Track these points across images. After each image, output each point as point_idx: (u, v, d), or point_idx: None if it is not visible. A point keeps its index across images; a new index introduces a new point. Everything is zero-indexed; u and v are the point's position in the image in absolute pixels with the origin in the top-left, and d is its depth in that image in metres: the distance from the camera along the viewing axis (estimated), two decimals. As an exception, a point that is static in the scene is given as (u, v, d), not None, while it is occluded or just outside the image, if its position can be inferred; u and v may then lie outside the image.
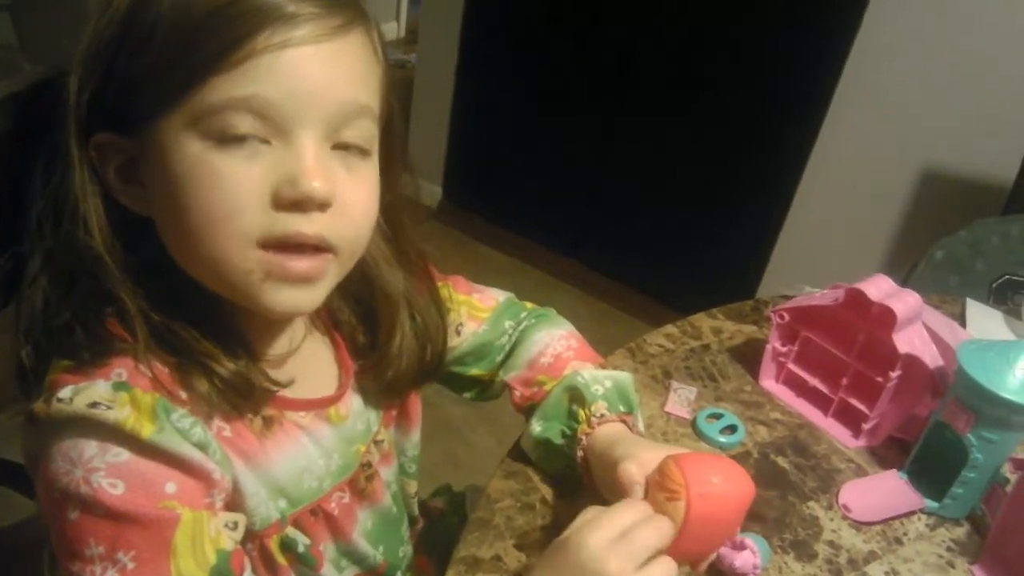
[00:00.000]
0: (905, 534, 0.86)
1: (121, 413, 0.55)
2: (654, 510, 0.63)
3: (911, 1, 2.00)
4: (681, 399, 0.98)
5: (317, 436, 0.71)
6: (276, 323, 0.70)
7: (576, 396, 0.82)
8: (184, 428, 0.58)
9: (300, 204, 0.57)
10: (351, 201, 0.61)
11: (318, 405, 0.73)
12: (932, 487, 0.89)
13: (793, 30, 2.19)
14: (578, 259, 2.83)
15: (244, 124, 0.56)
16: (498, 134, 2.88)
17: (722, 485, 0.65)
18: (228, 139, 0.56)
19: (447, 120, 2.87)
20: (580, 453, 0.78)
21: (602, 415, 0.79)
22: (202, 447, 0.59)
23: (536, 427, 0.83)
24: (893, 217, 2.19)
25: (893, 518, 0.88)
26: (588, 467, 0.78)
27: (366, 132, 0.62)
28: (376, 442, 0.79)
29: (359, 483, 0.77)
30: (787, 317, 1.02)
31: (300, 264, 0.59)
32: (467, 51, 2.78)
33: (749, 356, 1.08)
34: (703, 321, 1.15)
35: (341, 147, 0.61)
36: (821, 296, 1.00)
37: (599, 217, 2.78)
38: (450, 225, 2.97)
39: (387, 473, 0.82)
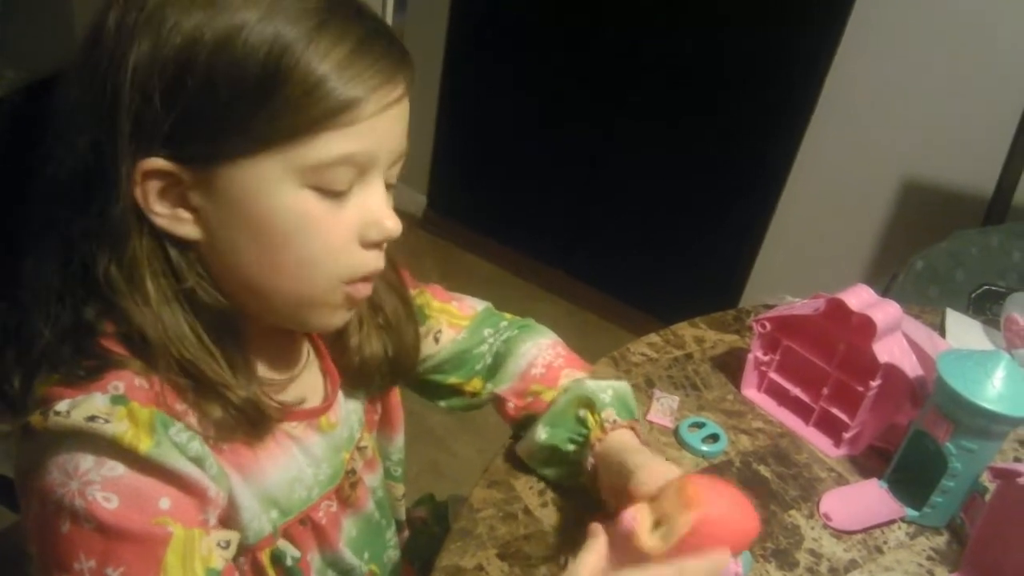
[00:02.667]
0: (885, 543, 0.87)
1: (119, 427, 0.55)
2: (656, 520, 0.62)
3: (892, 15, 2.02)
4: (664, 408, 0.99)
5: (307, 445, 0.72)
6: (287, 347, 0.73)
7: (584, 403, 0.83)
8: (182, 442, 0.58)
9: (381, 244, 0.65)
10: None
11: (310, 415, 0.73)
12: (912, 496, 0.89)
13: (774, 42, 2.21)
14: (563, 268, 2.83)
15: (346, 177, 0.60)
16: (483, 143, 2.88)
17: (729, 512, 0.64)
18: (330, 192, 0.60)
19: (432, 128, 2.87)
20: (591, 460, 0.78)
21: (614, 421, 0.80)
22: (199, 462, 0.59)
23: (542, 434, 0.83)
24: (874, 228, 2.21)
25: (874, 527, 0.88)
26: (596, 473, 0.78)
27: (400, 166, 0.67)
28: (359, 448, 0.79)
29: (344, 491, 0.77)
30: (769, 326, 1.02)
31: (368, 288, 0.67)
32: (452, 58, 2.78)
33: (731, 365, 1.09)
34: (686, 330, 1.15)
35: (386, 182, 0.66)
36: (802, 306, 1.00)
37: (583, 227, 2.78)
38: (435, 234, 2.97)
39: (371, 479, 0.82)
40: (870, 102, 2.12)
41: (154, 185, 0.58)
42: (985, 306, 1.39)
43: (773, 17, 2.20)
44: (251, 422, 0.63)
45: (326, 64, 0.56)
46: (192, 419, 0.60)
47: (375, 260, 0.65)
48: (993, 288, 1.43)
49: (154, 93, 0.56)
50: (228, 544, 0.61)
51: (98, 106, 0.56)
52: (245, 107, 0.56)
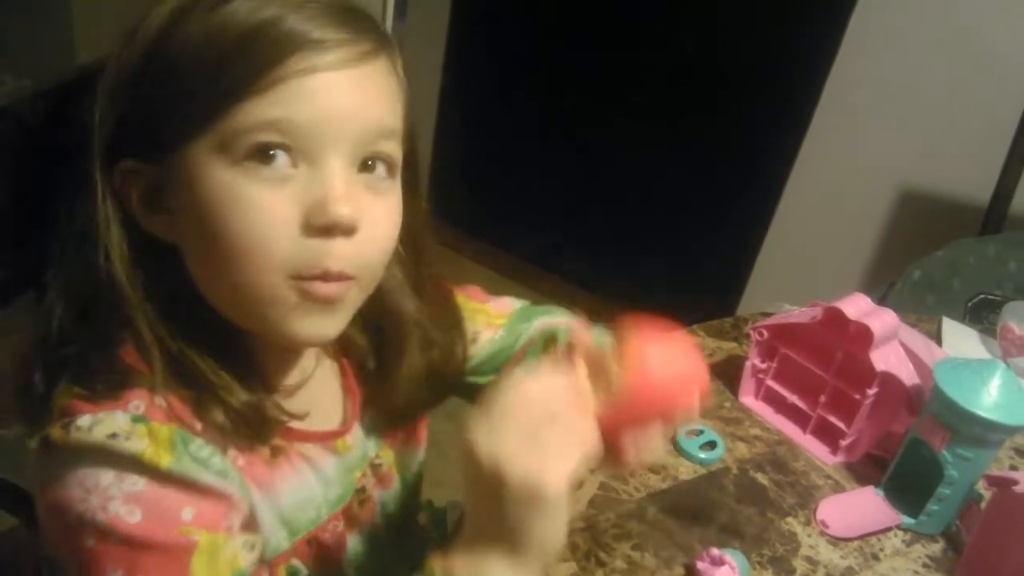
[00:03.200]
0: (882, 550, 0.87)
1: (139, 444, 0.55)
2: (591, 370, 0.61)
3: (890, 24, 2.03)
4: (662, 415, 0.99)
5: (320, 466, 0.70)
6: (290, 353, 0.70)
7: (550, 337, 0.82)
8: (203, 457, 0.57)
9: (328, 230, 0.57)
10: (375, 224, 0.61)
11: (327, 437, 0.72)
12: (908, 503, 0.90)
13: (773, 50, 2.22)
14: (559, 274, 2.83)
15: (273, 142, 0.56)
16: (482, 148, 2.89)
17: (671, 353, 0.63)
18: (256, 159, 0.56)
19: (431, 134, 2.88)
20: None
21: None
22: (221, 475, 0.58)
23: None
24: (871, 236, 2.22)
25: (870, 534, 0.89)
26: None
27: (392, 154, 0.62)
28: (373, 465, 0.77)
29: (352, 509, 0.75)
30: (766, 334, 1.03)
31: (328, 288, 0.59)
32: (452, 65, 2.79)
33: (729, 372, 1.09)
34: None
35: (367, 169, 0.61)
36: (800, 314, 1.01)
37: (581, 233, 2.79)
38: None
39: (383, 495, 0.80)
40: (867, 111, 2.12)
41: (136, 187, 0.59)
42: (981, 315, 1.39)
43: (772, 26, 2.21)
44: (252, 427, 0.62)
45: (243, 23, 0.55)
46: (208, 435, 0.59)
47: (321, 257, 0.57)
48: (989, 297, 1.43)
49: (113, 96, 0.58)
50: (254, 546, 0.61)
51: (83, 114, 0.59)
52: (175, 88, 0.56)
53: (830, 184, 2.24)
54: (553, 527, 0.56)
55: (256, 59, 0.55)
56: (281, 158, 0.56)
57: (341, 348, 0.76)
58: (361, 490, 0.76)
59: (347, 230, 0.58)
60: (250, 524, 0.63)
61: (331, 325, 0.62)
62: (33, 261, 0.72)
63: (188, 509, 0.56)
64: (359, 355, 0.77)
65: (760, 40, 2.24)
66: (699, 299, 2.35)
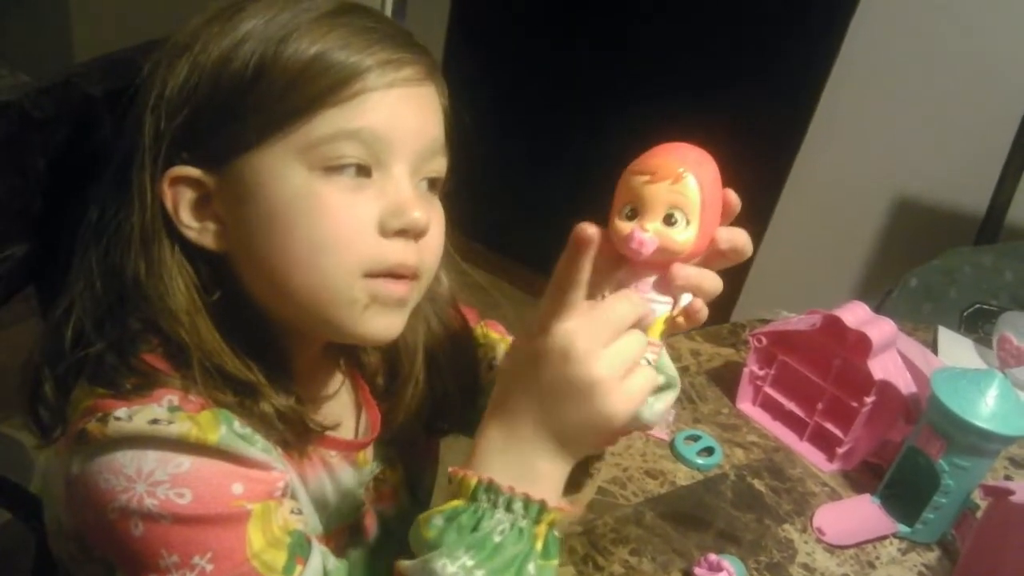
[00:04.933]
0: (878, 558, 0.88)
1: (183, 427, 0.54)
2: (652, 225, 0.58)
3: (887, 33, 2.04)
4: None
5: (338, 477, 0.71)
6: (323, 366, 0.71)
7: None
8: (247, 434, 0.57)
9: (405, 232, 0.60)
10: (433, 232, 0.64)
11: (351, 447, 0.72)
12: (904, 512, 0.90)
13: (769, 59, 2.22)
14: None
15: (353, 152, 0.58)
16: (478, 151, 2.89)
17: (709, 164, 0.62)
18: (335, 168, 0.58)
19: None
20: None
21: None
22: (266, 452, 0.58)
23: None
24: (868, 244, 2.22)
25: (866, 542, 0.89)
26: None
27: (440, 170, 0.66)
28: (378, 481, 0.77)
29: (356, 523, 0.75)
30: (765, 341, 1.03)
31: (399, 286, 0.62)
32: (451, 65, 2.79)
33: (727, 379, 1.10)
34: (682, 343, 1.16)
35: (422, 181, 0.64)
36: (798, 321, 1.01)
37: (578, 236, 2.79)
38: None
39: (384, 509, 0.79)
40: (865, 119, 2.13)
41: (185, 196, 0.60)
42: (977, 324, 1.40)
43: (768, 35, 2.22)
44: (295, 432, 0.62)
45: (321, 43, 0.58)
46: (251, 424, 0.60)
47: (400, 252, 0.60)
48: (985, 307, 1.44)
49: (170, 107, 0.59)
50: (301, 511, 0.61)
51: (132, 120, 0.60)
52: (245, 97, 0.58)
53: (827, 191, 2.25)
54: (601, 441, 0.63)
55: (340, 71, 0.58)
56: (358, 161, 0.59)
57: (354, 363, 0.77)
58: (362, 503, 0.76)
59: (421, 232, 0.61)
60: (294, 499, 0.63)
61: (398, 322, 0.65)
62: (35, 257, 0.72)
63: (238, 484, 0.56)
64: (372, 371, 0.77)
65: (756, 48, 2.24)
66: (695, 304, 2.35)
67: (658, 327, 0.61)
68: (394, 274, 0.61)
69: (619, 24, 2.46)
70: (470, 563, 0.54)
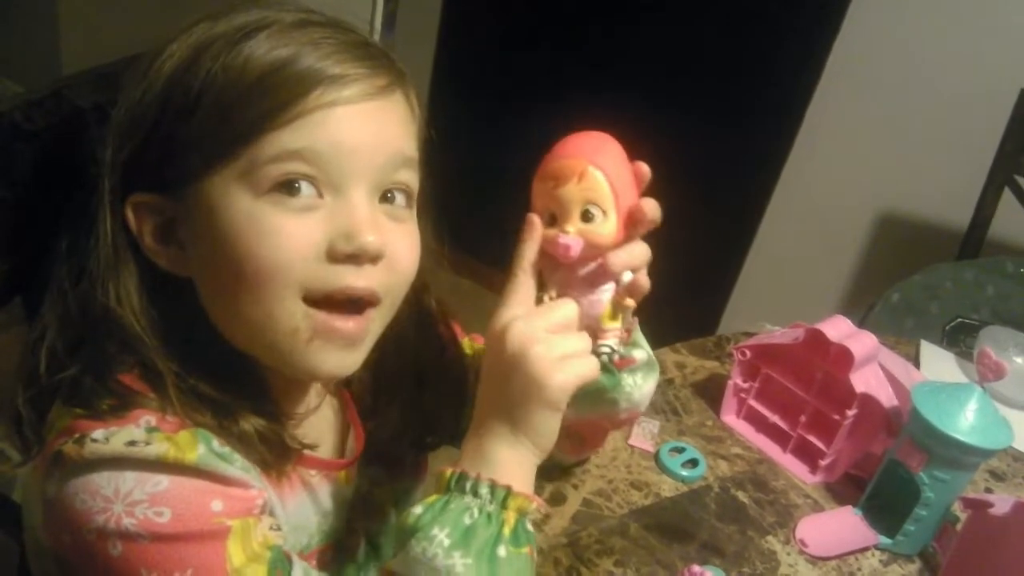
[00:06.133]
0: (859, 569, 0.88)
1: (161, 447, 0.54)
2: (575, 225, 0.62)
3: (871, 51, 2.06)
4: (645, 432, 1.00)
5: (319, 495, 0.70)
6: (300, 384, 0.70)
7: None
8: (225, 453, 0.57)
9: (355, 257, 0.58)
10: (398, 252, 0.62)
11: (333, 467, 0.72)
12: (886, 524, 0.91)
13: (755, 74, 2.24)
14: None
15: (298, 171, 0.57)
16: (468, 160, 2.89)
17: (609, 148, 0.64)
18: (281, 190, 0.57)
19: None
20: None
21: None
22: (245, 470, 0.58)
23: None
24: (852, 259, 2.24)
25: (848, 553, 0.90)
26: None
27: (409, 183, 0.64)
28: (365, 498, 0.77)
29: (342, 542, 0.75)
30: (749, 354, 1.04)
31: (347, 324, 0.60)
32: (440, 77, 2.81)
33: (711, 391, 1.10)
34: (667, 355, 1.17)
35: (387, 200, 0.62)
36: (782, 335, 1.02)
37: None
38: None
39: (372, 528, 0.79)
40: (849, 135, 2.15)
41: (148, 222, 0.60)
42: (959, 338, 1.41)
43: (755, 50, 2.24)
44: (273, 452, 0.62)
45: (261, 65, 0.57)
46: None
47: (347, 277, 0.58)
48: (967, 321, 1.45)
49: (128, 131, 0.59)
50: (279, 528, 0.60)
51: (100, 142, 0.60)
52: (191, 123, 0.57)
53: (812, 207, 2.27)
54: (546, 421, 0.60)
55: (279, 94, 0.56)
56: (307, 189, 0.57)
57: (340, 382, 0.76)
58: (352, 523, 0.76)
59: (373, 257, 0.59)
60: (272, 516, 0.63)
61: (350, 360, 0.63)
62: (24, 267, 0.72)
63: (217, 501, 0.56)
64: (360, 389, 0.77)
65: (743, 64, 2.26)
66: (680, 317, 2.37)
67: (609, 313, 0.64)
68: (334, 303, 0.59)
69: (611, 37, 2.48)
70: (447, 542, 0.56)
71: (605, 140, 0.64)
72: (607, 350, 0.64)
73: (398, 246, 0.62)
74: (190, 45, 0.59)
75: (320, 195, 0.58)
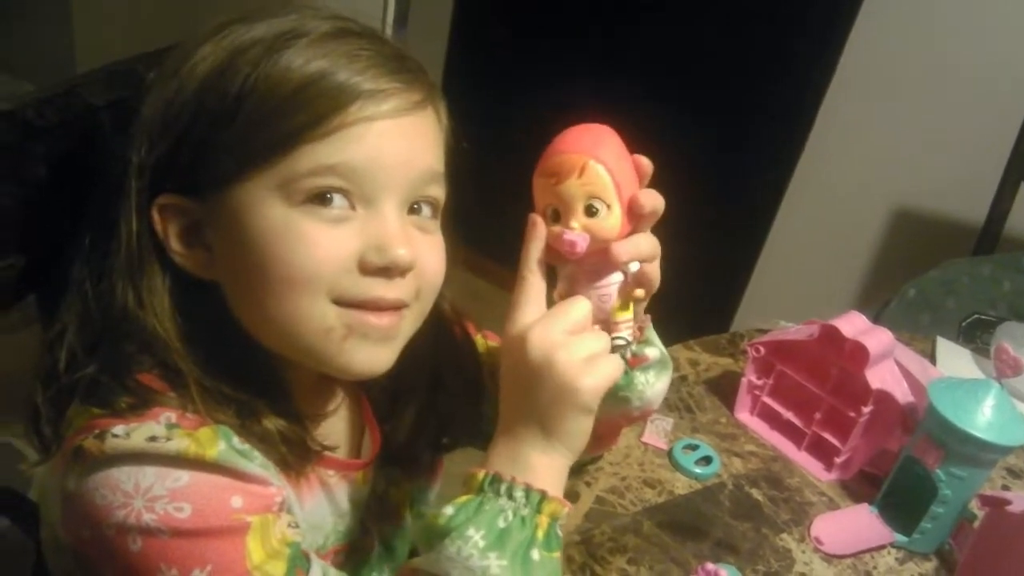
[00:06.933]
0: (875, 567, 0.88)
1: (182, 443, 0.55)
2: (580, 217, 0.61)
3: (886, 45, 2.05)
4: (658, 429, 1.00)
5: (336, 496, 0.71)
6: (322, 387, 0.71)
7: None
8: (245, 450, 0.58)
9: (386, 271, 0.59)
10: (427, 262, 0.63)
11: (349, 467, 0.72)
12: (902, 521, 0.90)
13: (769, 69, 2.23)
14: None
15: (333, 186, 0.58)
16: (479, 157, 2.90)
17: (608, 140, 0.64)
18: (315, 201, 0.58)
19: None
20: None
21: None
22: (264, 467, 0.59)
23: None
24: (867, 255, 2.23)
25: (864, 551, 0.89)
26: None
27: (437, 197, 0.65)
28: (381, 498, 0.77)
29: (357, 543, 0.75)
30: (763, 351, 1.03)
31: (381, 319, 0.61)
32: (452, 72, 2.81)
33: (725, 388, 1.10)
34: (680, 353, 1.16)
35: (414, 212, 0.63)
36: (796, 331, 1.02)
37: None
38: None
39: (387, 528, 0.79)
40: (864, 130, 2.14)
41: (175, 223, 0.60)
42: (975, 335, 1.40)
43: (768, 44, 2.23)
44: (294, 452, 0.62)
45: (302, 75, 0.57)
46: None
47: (378, 288, 0.60)
48: (983, 317, 1.44)
49: (158, 132, 0.59)
50: (298, 525, 0.61)
51: (125, 143, 0.60)
52: (224, 131, 0.57)
53: (826, 202, 2.25)
54: (579, 425, 0.60)
55: (317, 106, 0.57)
56: (339, 200, 0.58)
57: (357, 382, 0.77)
58: (367, 524, 0.76)
59: (404, 270, 0.60)
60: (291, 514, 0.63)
61: (385, 356, 0.63)
62: (36, 266, 0.72)
63: (237, 497, 0.56)
64: (375, 391, 0.77)
65: (757, 60, 2.25)
66: (694, 314, 2.36)
67: (620, 305, 0.64)
68: (369, 306, 0.60)
69: (621, 35, 2.48)
70: (482, 543, 0.56)
71: (604, 132, 0.63)
72: (621, 343, 0.64)
73: (426, 257, 0.63)
74: (224, 48, 0.59)
75: (352, 207, 0.59)
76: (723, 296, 2.51)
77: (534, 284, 0.64)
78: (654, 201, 0.64)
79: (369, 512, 0.76)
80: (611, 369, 0.60)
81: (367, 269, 0.59)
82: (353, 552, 0.75)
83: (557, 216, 0.63)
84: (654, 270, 0.66)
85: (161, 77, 0.60)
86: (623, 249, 0.62)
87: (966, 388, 0.85)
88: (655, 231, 0.66)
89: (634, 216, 0.63)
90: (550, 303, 0.64)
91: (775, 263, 2.40)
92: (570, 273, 0.64)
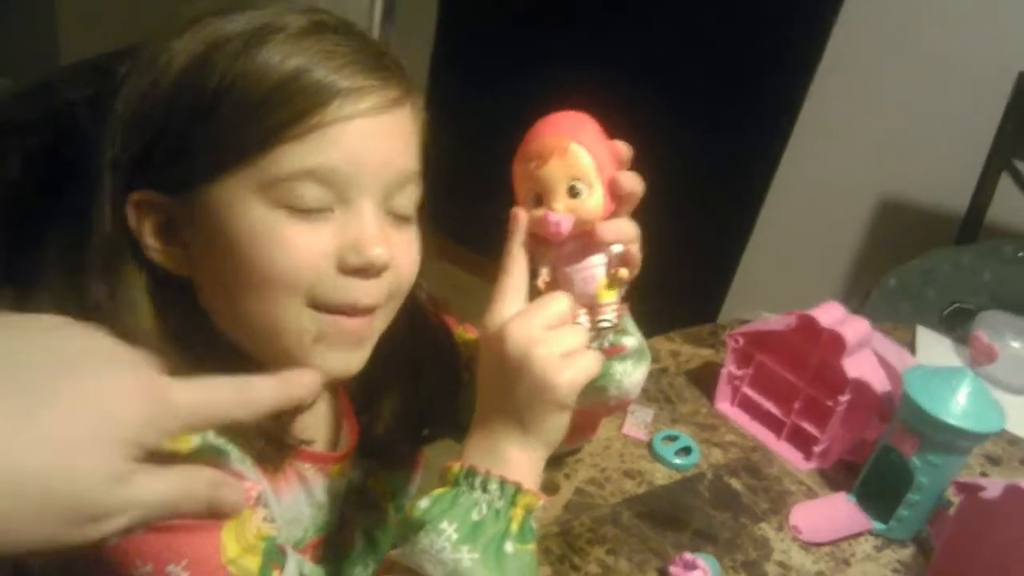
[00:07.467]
0: (853, 555, 0.89)
1: None
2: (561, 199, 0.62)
3: (869, 38, 2.05)
4: (638, 421, 1.00)
5: (313, 489, 0.71)
6: None
7: None
8: (221, 445, 0.58)
9: (363, 271, 0.60)
10: (402, 260, 0.63)
11: (327, 460, 0.72)
12: (879, 509, 0.91)
13: (754, 61, 2.24)
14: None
15: (311, 194, 0.58)
16: (467, 154, 2.90)
17: (587, 124, 0.64)
18: (292, 202, 0.58)
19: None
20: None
21: None
22: (240, 462, 0.59)
23: None
24: (850, 246, 2.24)
25: (842, 539, 0.90)
26: None
27: (415, 196, 0.65)
28: (360, 491, 0.77)
29: (336, 535, 0.76)
30: (742, 341, 1.04)
31: (352, 323, 0.61)
32: (438, 69, 2.80)
33: (705, 379, 1.10)
34: (661, 344, 1.17)
35: (392, 209, 0.63)
36: (775, 321, 1.02)
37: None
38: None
39: (368, 520, 0.80)
40: (847, 121, 2.15)
41: (150, 220, 0.60)
42: (956, 324, 1.41)
43: (753, 37, 2.23)
44: (272, 446, 0.63)
45: (278, 73, 0.57)
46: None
47: (354, 292, 0.60)
48: (964, 306, 1.45)
49: (133, 126, 0.59)
50: (274, 519, 0.61)
51: (99, 138, 0.60)
52: (204, 125, 0.57)
53: (811, 194, 2.26)
54: (556, 420, 0.60)
55: (296, 105, 0.56)
56: (317, 202, 0.58)
57: None
58: (346, 516, 0.76)
59: (380, 270, 0.60)
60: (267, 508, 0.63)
61: (355, 359, 0.64)
62: (9, 261, 0.72)
63: None
64: (354, 383, 0.77)
65: (741, 51, 2.26)
66: (680, 306, 2.37)
67: (604, 285, 0.64)
68: (345, 311, 0.60)
69: (608, 31, 2.48)
70: (455, 536, 0.56)
71: (582, 117, 0.64)
72: (607, 324, 0.64)
73: (402, 255, 0.63)
74: (201, 41, 0.58)
75: (330, 208, 0.59)
76: (710, 287, 2.51)
77: (515, 276, 0.63)
78: (633, 182, 0.64)
79: (348, 504, 0.76)
80: (589, 365, 0.60)
81: (345, 269, 0.59)
82: (333, 545, 0.75)
83: (539, 201, 0.63)
84: (636, 250, 0.66)
85: (136, 70, 0.60)
86: (608, 228, 0.63)
87: (941, 376, 0.86)
88: (640, 222, 0.67)
89: (615, 197, 0.63)
90: (534, 294, 0.64)
91: (760, 255, 2.41)
92: (553, 258, 0.64)
